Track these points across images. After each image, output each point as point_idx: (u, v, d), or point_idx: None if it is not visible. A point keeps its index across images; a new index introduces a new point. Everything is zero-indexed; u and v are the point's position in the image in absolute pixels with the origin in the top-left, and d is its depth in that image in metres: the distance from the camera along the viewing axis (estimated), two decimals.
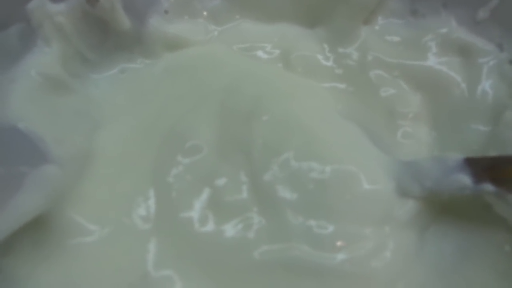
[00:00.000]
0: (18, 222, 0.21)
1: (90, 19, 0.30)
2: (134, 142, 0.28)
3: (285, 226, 0.24)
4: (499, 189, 0.23)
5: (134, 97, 0.31)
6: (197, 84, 0.31)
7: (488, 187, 0.24)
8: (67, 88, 0.28)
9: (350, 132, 0.29)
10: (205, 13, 0.34)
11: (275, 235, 0.24)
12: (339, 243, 0.24)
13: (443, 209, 0.26)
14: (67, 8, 0.29)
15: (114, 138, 0.28)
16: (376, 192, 0.25)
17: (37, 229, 0.23)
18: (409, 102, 0.30)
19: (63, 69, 0.29)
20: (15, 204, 0.21)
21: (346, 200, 0.25)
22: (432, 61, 0.31)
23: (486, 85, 0.29)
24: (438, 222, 0.26)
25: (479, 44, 0.30)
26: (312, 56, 0.33)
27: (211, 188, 0.26)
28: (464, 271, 0.25)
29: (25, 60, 0.27)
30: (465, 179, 0.24)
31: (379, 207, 0.25)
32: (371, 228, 0.25)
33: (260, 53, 0.33)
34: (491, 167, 0.24)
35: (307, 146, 0.26)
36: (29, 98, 0.26)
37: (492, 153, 0.27)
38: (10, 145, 0.23)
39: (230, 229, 0.25)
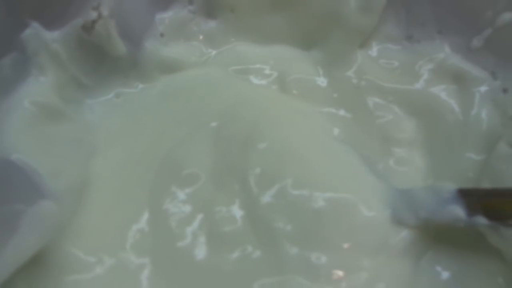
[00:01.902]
0: (16, 264, 0.21)
1: (86, 45, 0.29)
2: (130, 169, 0.28)
3: (281, 257, 0.25)
4: (492, 222, 0.24)
5: (129, 122, 0.31)
6: (193, 108, 0.31)
7: (481, 219, 0.24)
8: (62, 115, 0.28)
9: (346, 158, 0.29)
10: (201, 36, 0.34)
11: (272, 266, 0.24)
12: (335, 275, 0.24)
13: (437, 237, 0.26)
14: (62, 35, 0.29)
15: (109, 166, 0.28)
16: (371, 220, 0.26)
17: (33, 265, 0.22)
18: (404, 128, 0.31)
19: (58, 96, 0.28)
20: (12, 247, 0.20)
21: (342, 230, 0.25)
22: (427, 86, 0.31)
23: (480, 113, 0.29)
24: (432, 251, 0.26)
25: (473, 72, 0.30)
26: (308, 79, 0.33)
27: (208, 218, 0.26)
28: None
29: (19, 90, 0.27)
30: (458, 211, 0.24)
31: (374, 236, 0.25)
32: (367, 257, 0.25)
33: (255, 75, 0.33)
34: (485, 199, 0.24)
35: (303, 175, 0.27)
36: (23, 129, 0.25)
37: (486, 182, 0.27)
38: (4, 180, 0.23)
39: (228, 261, 0.25)
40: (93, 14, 0.28)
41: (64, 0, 0.28)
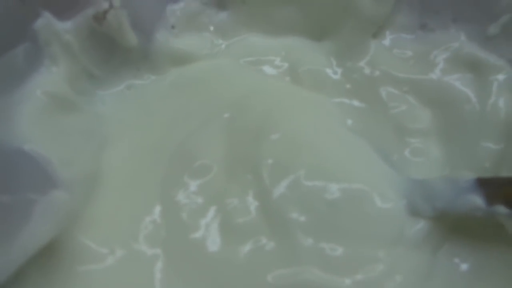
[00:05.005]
0: (29, 252, 0.21)
1: (97, 36, 0.29)
2: (142, 161, 0.28)
3: (296, 248, 0.24)
4: None
5: (141, 113, 0.31)
6: (205, 99, 0.31)
7: (501, 209, 0.23)
8: (74, 106, 0.28)
9: (360, 149, 0.28)
10: (211, 27, 0.34)
11: (287, 258, 0.24)
12: (350, 266, 0.24)
13: (454, 228, 0.26)
14: (74, 26, 0.29)
15: (121, 157, 0.28)
16: (387, 211, 0.25)
17: (46, 256, 0.22)
18: (418, 118, 0.30)
19: (70, 87, 0.28)
20: (25, 235, 0.20)
21: (357, 221, 0.25)
22: (442, 76, 0.30)
23: (498, 101, 0.28)
24: (450, 242, 0.26)
25: (490, 60, 0.29)
26: (321, 70, 0.33)
27: (221, 209, 0.26)
28: None
29: (31, 80, 0.27)
30: (477, 200, 0.24)
31: (390, 227, 0.25)
32: (383, 249, 0.24)
33: (267, 67, 0.33)
34: (504, 188, 0.24)
35: (317, 165, 0.26)
36: (35, 119, 0.25)
37: (505, 172, 0.26)
38: (17, 169, 0.23)
39: (242, 252, 0.24)
40: (105, 4, 0.28)
41: None
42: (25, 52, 0.27)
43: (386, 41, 0.32)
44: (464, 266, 0.25)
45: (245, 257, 0.24)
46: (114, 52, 0.30)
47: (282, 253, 0.24)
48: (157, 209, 0.26)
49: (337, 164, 0.27)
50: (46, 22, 0.27)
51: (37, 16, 0.27)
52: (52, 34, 0.28)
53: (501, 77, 0.29)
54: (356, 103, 0.31)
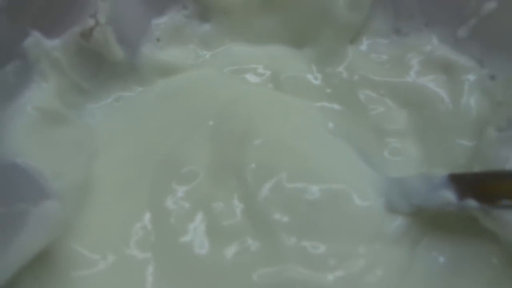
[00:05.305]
0: (22, 261, 0.21)
1: (85, 52, 0.30)
2: (131, 169, 0.29)
3: (279, 248, 0.25)
4: (483, 205, 0.24)
5: (129, 124, 0.32)
6: (190, 108, 0.32)
7: (472, 203, 0.24)
8: (64, 120, 0.29)
9: (340, 150, 0.29)
10: (195, 39, 0.35)
11: (271, 257, 0.25)
12: (332, 262, 0.25)
13: (432, 223, 0.27)
14: (62, 43, 0.30)
15: (111, 167, 0.29)
16: (366, 209, 0.26)
17: (39, 263, 0.23)
18: (395, 119, 0.31)
19: (60, 101, 0.29)
20: (18, 244, 0.21)
21: (337, 219, 0.26)
22: (417, 78, 0.32)
23: (469, 100, 0.30)
24: (428, 236, 0.27)
25: (461, 61, 0.31)
26: (302, 76, 0.34)
27: (208, 213, 0.27)
28: (455, 284, 0.25)
29: (22, 96, 0.28)
30: (449, 196, 0.25)
31: (370, 224, 0.26)
32: (363, 245, 0.26)
33: (250, 75, 0.34)
34: (475, 183, 0.25)
35: (298, 168, 0.27)
36: (27, 133, 0.26)
37: (477, 168, 0.27)
38: (10, 182, 0.24)
39: (228, 254, 0.25)
40: (91, 22, 0.29)
41: (62, 8, 0.29)
42: (15, 69, 0.28)
43: (363, 47, 0.34)
44: (442, 259, 0.26)
45: (232, 258, 0.25)
46: (102, 66, 0.31)
47: (266, 252, 0.25)
48: (147, 215, 0.27)
49: (317, 166, 0.28)
50: (35, 40, 0.28)
51: (26, 35, 0.28)
52: (41, 52, 0.29)
53: (471, 77, 0.30)
54: (336, 106, 0.33)
